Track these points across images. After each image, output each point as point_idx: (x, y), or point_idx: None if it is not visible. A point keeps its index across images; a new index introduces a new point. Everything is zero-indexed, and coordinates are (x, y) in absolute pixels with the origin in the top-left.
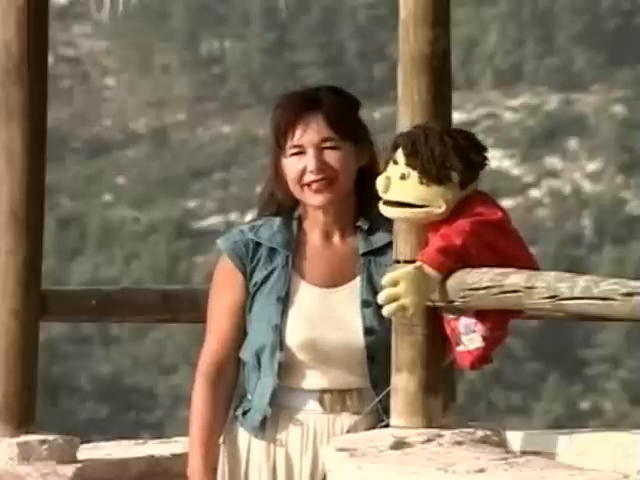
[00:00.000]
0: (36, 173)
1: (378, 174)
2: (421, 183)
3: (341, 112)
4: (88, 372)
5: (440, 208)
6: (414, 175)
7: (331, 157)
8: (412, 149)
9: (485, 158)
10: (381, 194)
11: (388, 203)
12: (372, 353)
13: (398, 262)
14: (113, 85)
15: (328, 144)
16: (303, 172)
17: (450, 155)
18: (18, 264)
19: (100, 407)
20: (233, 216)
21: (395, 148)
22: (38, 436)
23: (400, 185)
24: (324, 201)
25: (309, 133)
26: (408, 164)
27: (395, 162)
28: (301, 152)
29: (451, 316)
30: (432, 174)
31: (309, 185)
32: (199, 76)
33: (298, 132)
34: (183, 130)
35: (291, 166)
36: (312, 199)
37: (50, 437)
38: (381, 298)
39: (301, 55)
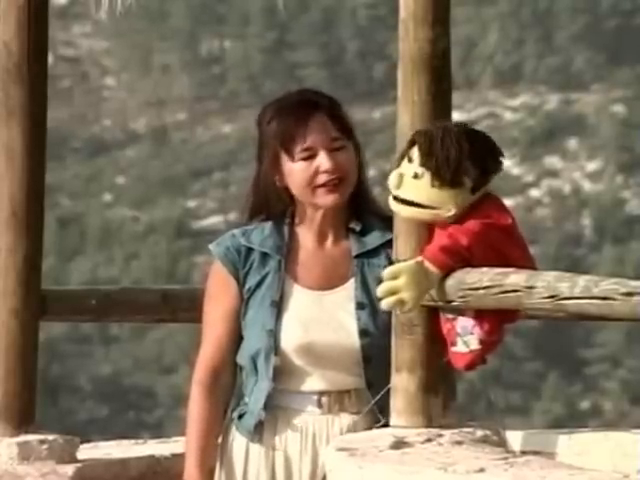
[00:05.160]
0: (36, 172)
1: (364, 175)
2: (433, 185)
3: (340, 112)
4: (88, 372)
5: (449, 212)
6: (427, 176)
7: (340, 157)
8: (428, 150)
9: (500, 163)
10: (392, 189)
11: (398, 199)
12: (367, 354)
13: (397, 261)
14: (113, 85)
15: (336, 144)
16: (315, 174)
17: (465, 161)
18: (18, 264)
19: (100, 407)
20: (233, 216)
21: (411, 145)
22: (38, 436)
23: (412, 184)
24: (336, 200)
25: (318, 135)
26: (423, 164)
27: (410, 159)
28: (311, 155)
29: (449, 316)
30: (445, 178)
31: (323, 185)
32: (199, 76)
33: (307, 135)
34: (183, 130)
35: (301, 170)
36: (325, 199)
37: (50, 437)
38: (380, 290)
39: (301, 55)
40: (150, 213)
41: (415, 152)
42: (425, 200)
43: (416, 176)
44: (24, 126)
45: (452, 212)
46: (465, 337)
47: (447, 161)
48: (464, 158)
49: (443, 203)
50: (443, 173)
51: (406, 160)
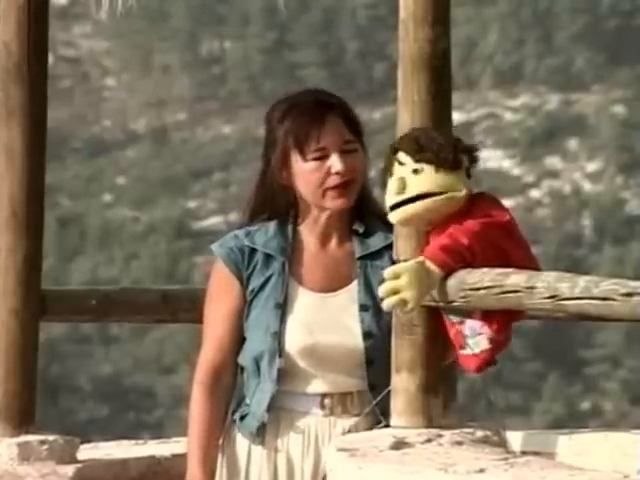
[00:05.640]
0: (36, 172)
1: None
2: (437, 172)
3: (353, 114)
4: (88, 372)
5: (461, 192)
6: (428, 167)
7: (351, 160)
8: (419, 146)
9: (477, 148)
10: (395, 196)
11: (404, 203)
12: (371, 356)
13: (398, 262)
14: (113, 85)
15: (349, 146)
16: (326, 175)
17: (456, 142)
18: (18, 264)
19: (100, 407)
20: (233, 216)
21: (395, 152)
22: (38, 436)
23: (415, 179)
24: (344, 204)
25: (332, 136)
26: (419, 160)
27: (401, 163)
28: (323, 156)
29: (455, 319)
30: (448, 160)
31: (334, 188)
32: (199, 76)
33: (322, 135)
34: (183, 130)
35: (313, 170)
36: (333, 202)
37: (50, 437)
38: (382, 290)
39: (301, 55)
40: (150, 213)
41: (402, 156)
42: (435, 187)
43: (416, 171)
44: (24, 126)
45: (463, 192)
46: (473, 338)
47: (442, 147)
48: (453, 142)
49: (453, 185)
50: (444, 156)
51: (396, 165)
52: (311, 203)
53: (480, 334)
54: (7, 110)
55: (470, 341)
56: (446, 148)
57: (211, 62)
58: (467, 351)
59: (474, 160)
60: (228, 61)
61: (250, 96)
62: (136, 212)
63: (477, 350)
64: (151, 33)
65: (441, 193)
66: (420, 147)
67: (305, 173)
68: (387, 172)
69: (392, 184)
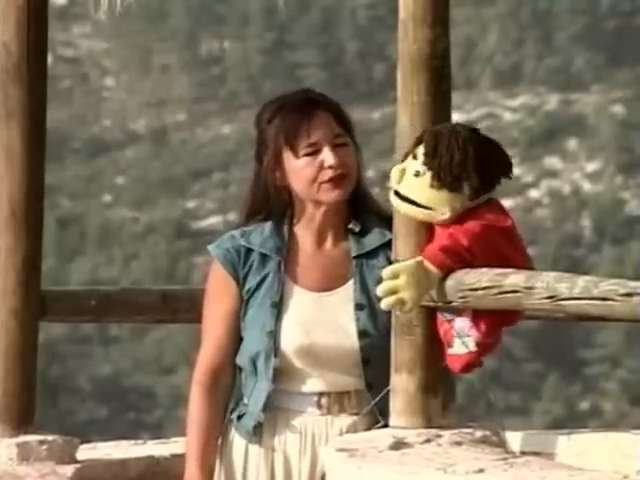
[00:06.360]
0: (36, 173)
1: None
2: (432, 186)
3: (342, 110)
4: (88, 372)
5: (444, 215)
6: (428, 175)
7: (343, 153)
8: (433, 150)
9: (504, 176)
10: (393, 184)
11: (397, 194)
12: (367, 355)
13: (397, 262)
14: (113, 85)
15: (339, 140)
16: (320, 169)
17: (468, 167)
18: (18, 264)
19: (99, 407)
20: (232, 216)
21: (418, 142)
22: (37, 436)
23: (412, 181)
24: (339, 196)
25: (322, 130)
26: (425, 163)
27: (415, 156)
28: (315, 151)
29: (445, 317)
30: (445, 181)
31: (328, 181)
32: (199, 76)
33: (312, 131)
34: (183, 130)
35: (306, 165)
36: (329, 195)
37: (49, 437)
38: (380, 290)
39: (301, 55)
40: (150, 214)
41: (420, 150)
42: (421, 199)
43: (417, 174)
44: (23, 126)
45: (447, 215)
46: (461, 339)
47: (450, 164)
48: (468, 164)
49: (439, 205)
50: (444, 175)
51: (411, 157)
52: (306, 199)
53: (468, 336)
54: (6, 110)
55: (457, 341)
56: (453, 167)
57: (211, 62)
58: (454, 350)
59: (479, 191)
60: (228, 61)
61: (250, 96)
62: (136, 212)
63: (463, 351)
64: (150, 33)
65: (425, 207)
66: (434, 152)
67: (298, 169)
68: (405, 156)
69: (395, 170)
